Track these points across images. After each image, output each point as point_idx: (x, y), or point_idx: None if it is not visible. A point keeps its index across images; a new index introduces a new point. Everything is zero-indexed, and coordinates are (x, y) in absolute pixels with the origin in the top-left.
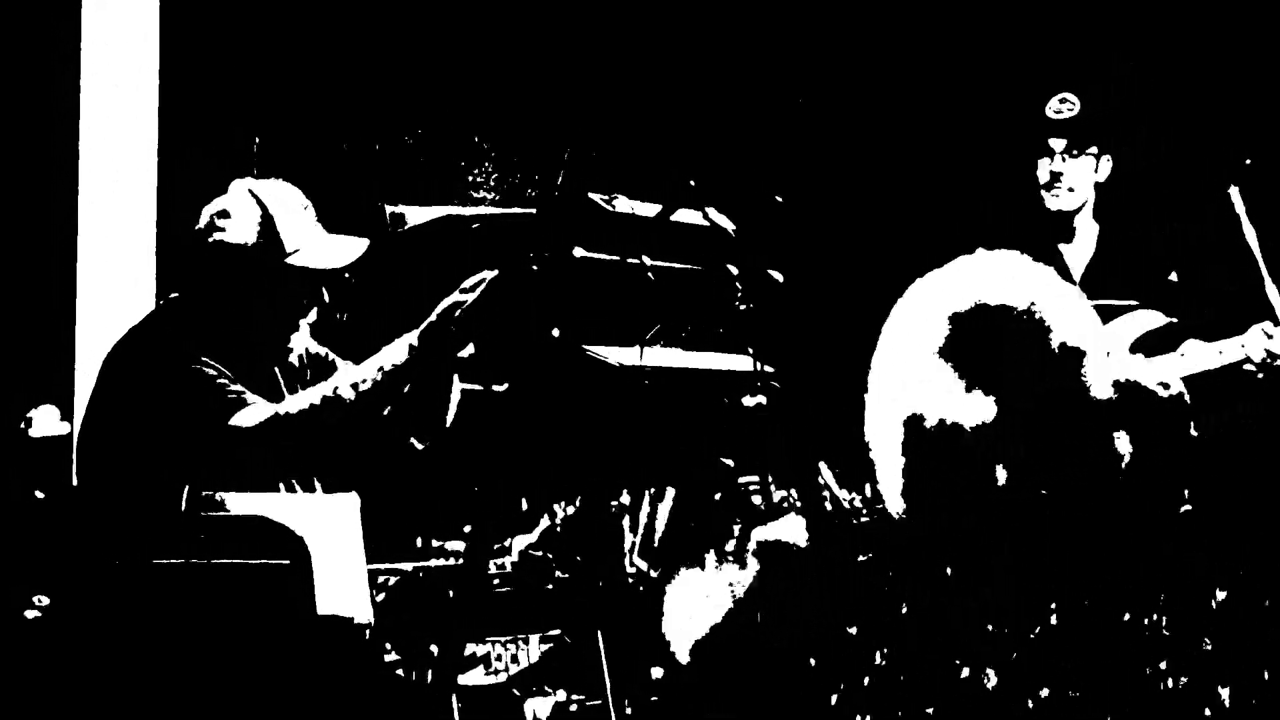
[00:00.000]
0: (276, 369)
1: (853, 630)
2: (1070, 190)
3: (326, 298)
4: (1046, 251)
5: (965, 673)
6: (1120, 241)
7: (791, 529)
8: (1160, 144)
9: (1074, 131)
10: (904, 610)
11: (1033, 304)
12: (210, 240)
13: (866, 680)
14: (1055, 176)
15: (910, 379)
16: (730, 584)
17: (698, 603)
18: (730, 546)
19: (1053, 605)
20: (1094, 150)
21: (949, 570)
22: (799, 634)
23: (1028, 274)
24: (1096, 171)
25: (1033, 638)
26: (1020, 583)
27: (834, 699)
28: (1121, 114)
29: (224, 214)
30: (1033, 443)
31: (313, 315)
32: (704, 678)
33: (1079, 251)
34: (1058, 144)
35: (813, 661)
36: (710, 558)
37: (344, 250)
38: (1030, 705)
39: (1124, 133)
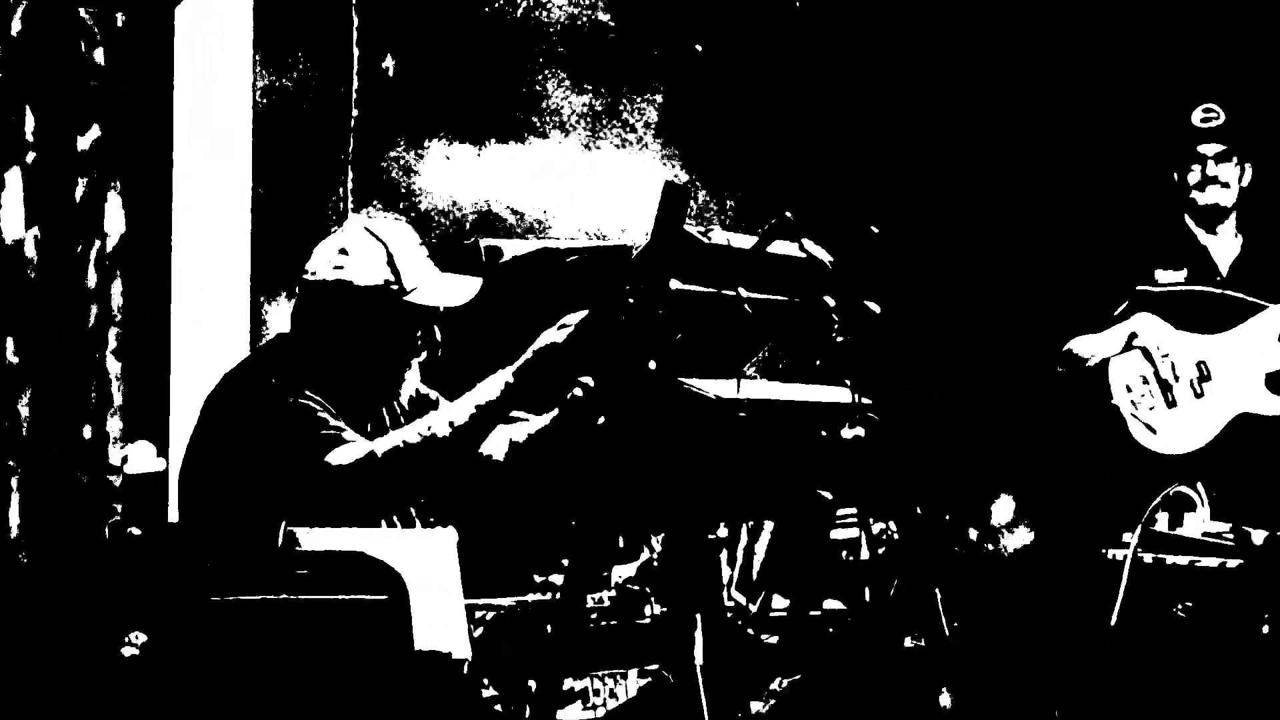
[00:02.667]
0: (384, 409)
1: None
2: (1225, 186)
3: (439, 336)
4: (1190, 248)
5: None
6: (1264, 242)
7: None
8: None
9: (1222, 138)
10: None
11: None
12: (330, 279)
13: None
14: (1209, 179)
15: None
16: None
17: None
18: None
19: None
20: (1237, 157)
21: None
22: None
23: None
24: (1241, 179)
25: None
26: None
27: None
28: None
29: (343, 252)
30: None
31: (424, 355)
32: None
33: (1224, 250)
34: (1209, 149)
35: None
36: None
37: (461, 288)
38: None
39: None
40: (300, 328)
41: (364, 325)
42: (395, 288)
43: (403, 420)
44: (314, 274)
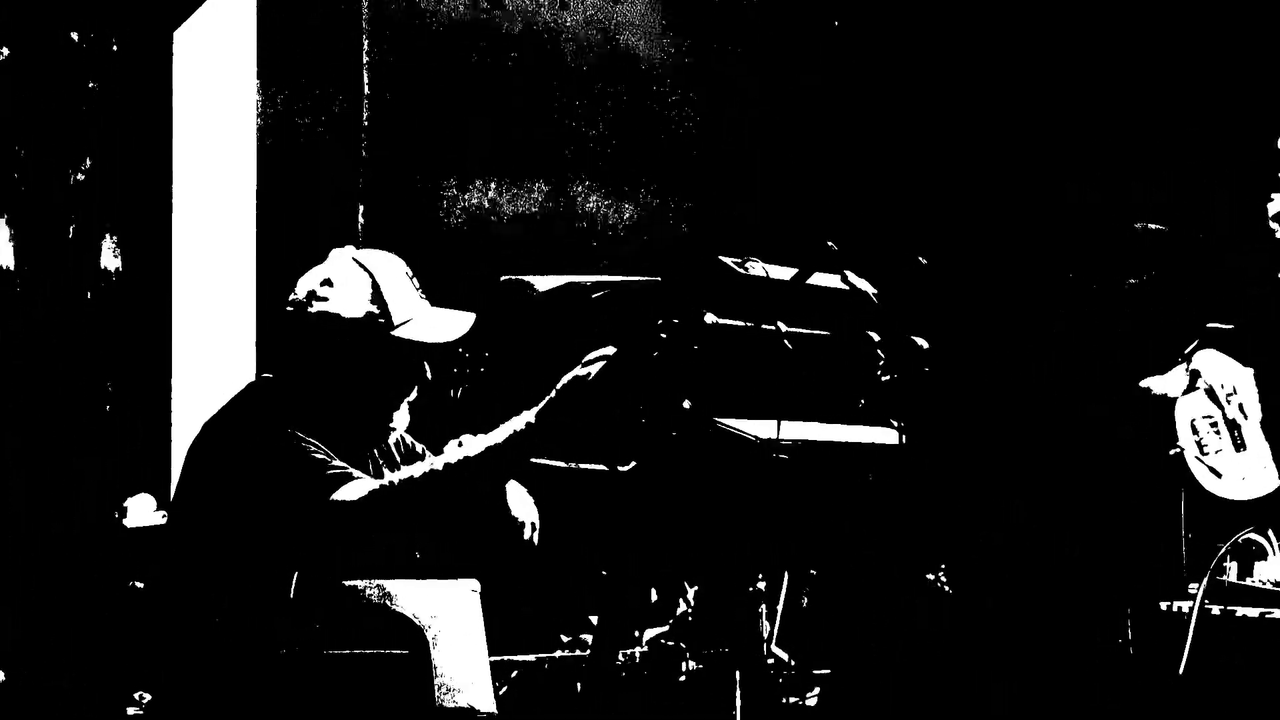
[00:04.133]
0: (376, 450)
1: None
2: None
3: (429, 374)
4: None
5: None
6: None
7: None
8: None
9: None
10: None
11: None
12: (313, 310)
13: None
14: None
15: None
16: None
17: None
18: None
19: None
20: None
21: None
22: None
23: None
24: None
25: None
26: None
27: None
28: None
29: (327, 283)
30: None
31: (414, 394)
32: None
33: None
34: None
35: None
36: None
37: (452, 324)
38: None
39: None
40: (284, 364)
41: (348, 360)
42: (382, 321)
43: (392, 467)
44: (296, 306)
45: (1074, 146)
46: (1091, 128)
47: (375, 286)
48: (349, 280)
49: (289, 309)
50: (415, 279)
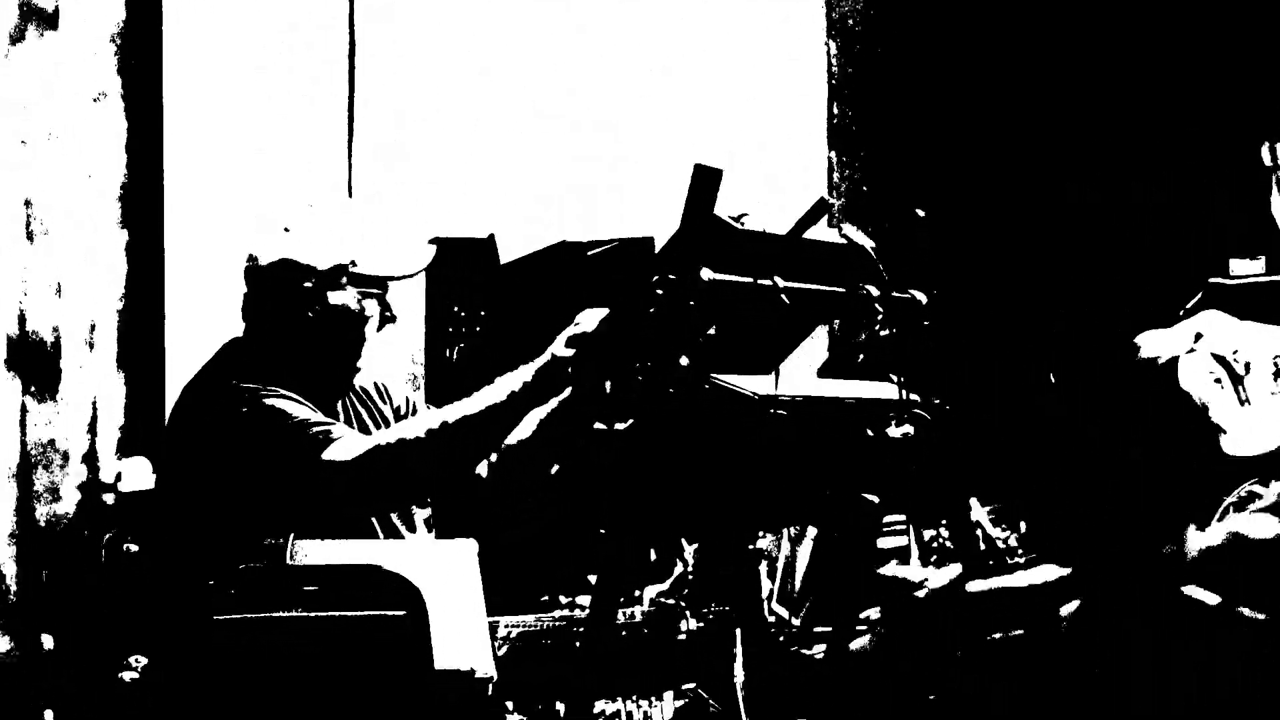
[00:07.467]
0: (344, 401)
1: None
2: None
3: (392, 312)
4: (1271, 235)
5: None
6: None
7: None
8: None
9: None
10: None
11: None
12: (276, 260)
13: None
14: None
15: None
16: None
17: None
18: None
19: None
20: None
21: None
22: None
23: None
24: None
25: None
26: None
27: None
28: None
29: (285, 230)
30: None
31: (379, 327)
32: None
33: None
34: None
35: None
36: None
37: (411, 257)
38: None
39: None
40: (252, 320)
41: (312, 302)
42: (339, 261)
43: (364, 414)
44: (258, 259)
45: (1074, 146)
46: (1091, 127)
47: (329, 227)
48: (305, 225)
49: (250, 265)
50: (365, 220)
